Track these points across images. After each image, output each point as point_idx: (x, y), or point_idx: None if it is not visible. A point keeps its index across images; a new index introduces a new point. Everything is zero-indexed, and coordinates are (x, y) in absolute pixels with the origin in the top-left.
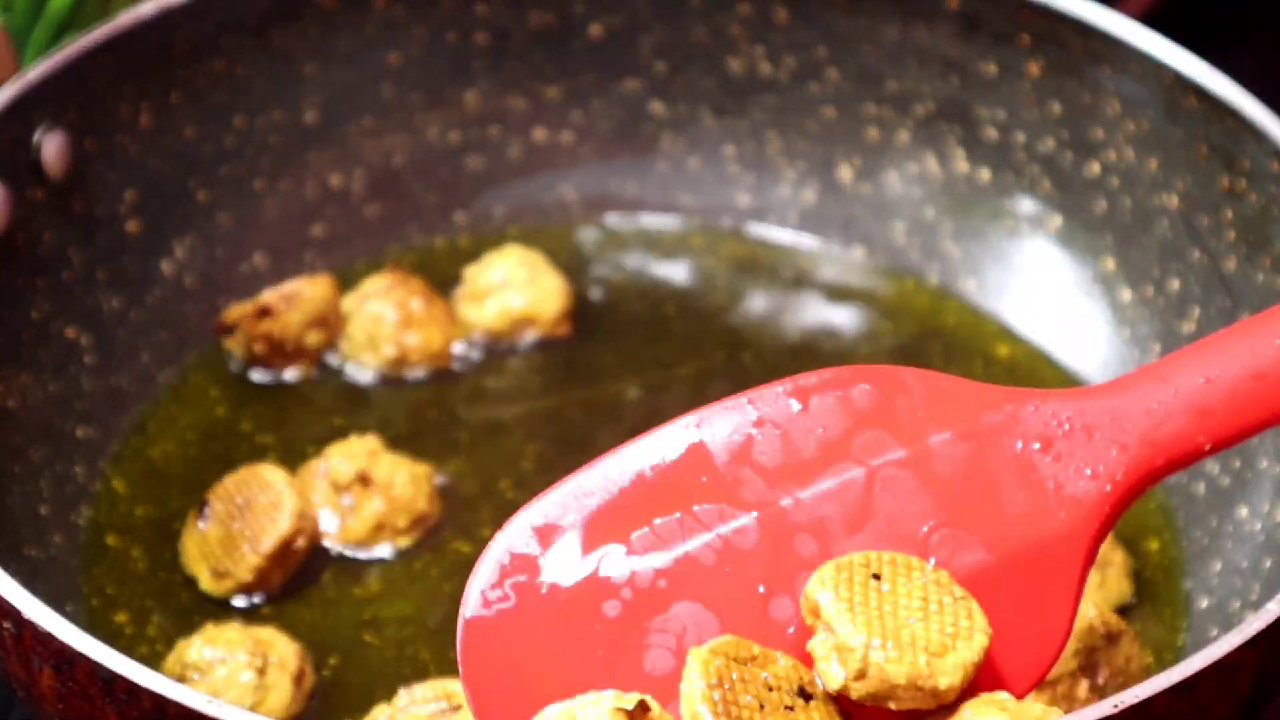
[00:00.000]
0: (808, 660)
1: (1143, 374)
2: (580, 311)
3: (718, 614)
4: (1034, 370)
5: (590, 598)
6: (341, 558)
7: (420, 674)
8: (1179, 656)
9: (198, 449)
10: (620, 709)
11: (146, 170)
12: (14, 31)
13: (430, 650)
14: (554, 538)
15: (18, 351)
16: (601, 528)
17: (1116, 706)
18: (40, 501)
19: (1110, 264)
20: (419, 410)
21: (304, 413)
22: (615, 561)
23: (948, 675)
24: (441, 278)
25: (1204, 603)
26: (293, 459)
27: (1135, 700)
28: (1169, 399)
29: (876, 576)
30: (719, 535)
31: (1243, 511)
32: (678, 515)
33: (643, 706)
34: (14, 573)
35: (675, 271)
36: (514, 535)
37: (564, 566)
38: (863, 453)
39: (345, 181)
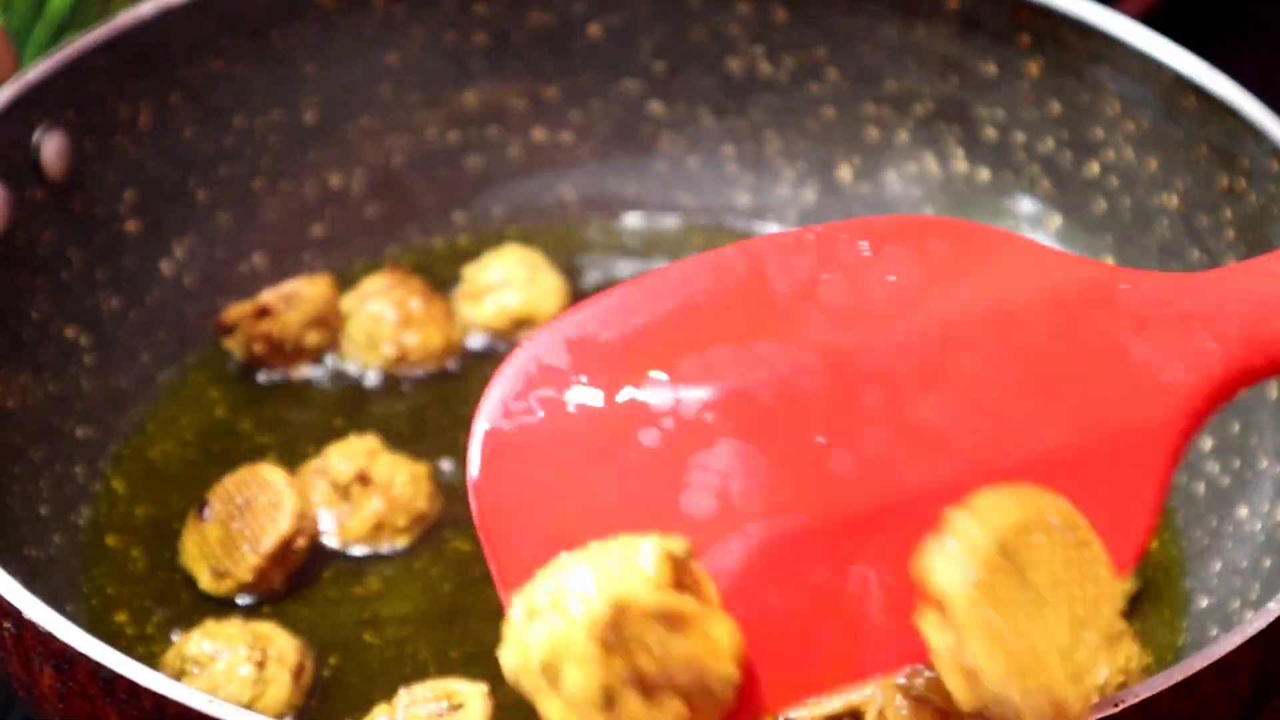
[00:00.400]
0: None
1: (1244, 268)
2: None
3: (769, 458)
4: None
5: (626, 423)
6: (341, 557)
7: (420, 673)
8: (1179, 656)
9: (197, 449)
10: (669, 553)
11: (146, 170)
12: (14, 31)
13: (430, 649)
14: (590, 353)
15: (17, 352)
16: (645, 349)
17: (1118, 705)
18: (40, 502)
19: (1110, 263)
20: (419, 410)
21: (304, 413)
22: (657, 387)
23: (1081, 701)
24: (441, 277)
25: (1204, 602)
26: (292, 459)
27: (1137, 699)
28: (1273, 296)
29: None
30: (777, 372)
31: (1242, 511)
32: (731, 346)
33: (689, 553)
34: (14, 573)
35: None
36: (545, 345)
37: (599, 386)
38: (940, 307)
39: (345, 181)
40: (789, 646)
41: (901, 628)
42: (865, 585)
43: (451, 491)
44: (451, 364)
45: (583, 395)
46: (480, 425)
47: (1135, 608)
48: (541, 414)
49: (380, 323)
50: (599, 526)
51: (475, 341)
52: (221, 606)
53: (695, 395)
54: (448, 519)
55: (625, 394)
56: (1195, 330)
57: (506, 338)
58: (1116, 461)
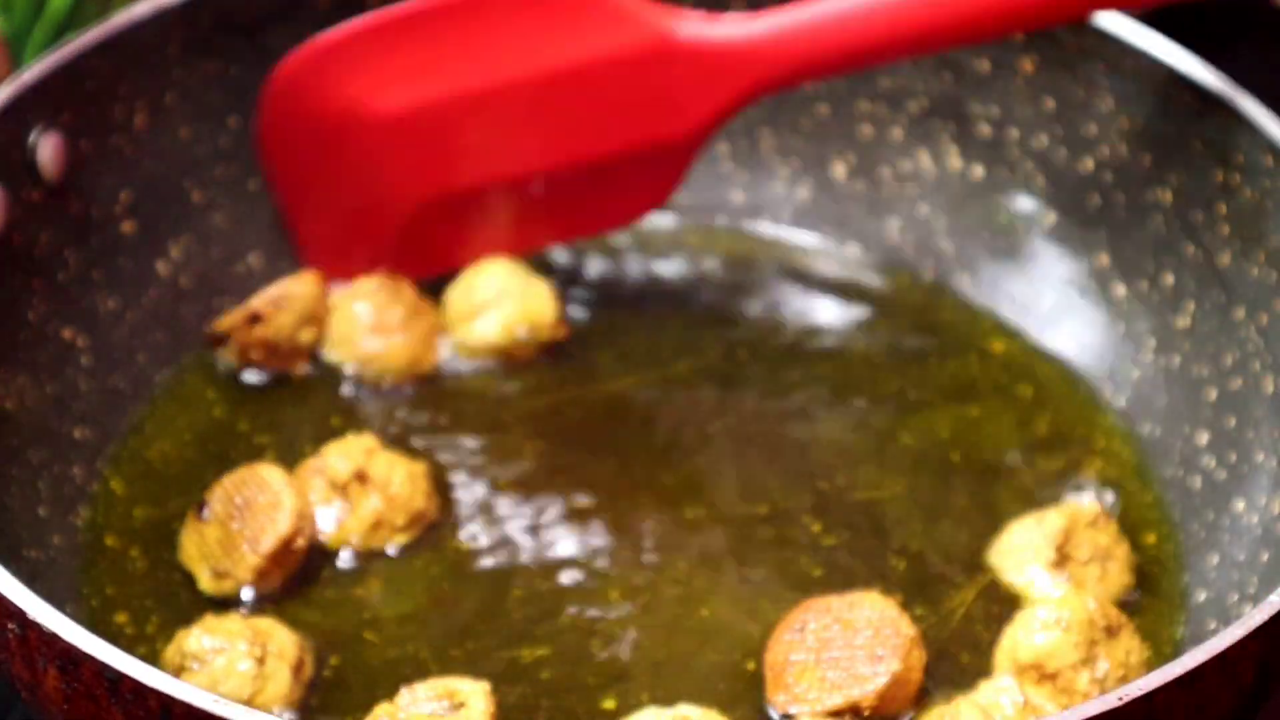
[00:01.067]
0: None
1: (771, 20)
2: (576, 311)
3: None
4: (1029, 366)
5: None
6: (341, 557)
7: (421, 672)
8: (1177, 650)
9: (195, 449)
10: None
11: (142, 171)
12: (13, 33)
13: (430, 649)
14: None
15: (14, 353)
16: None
17: (1122, 699)
18: (38, 503)
19: (1104, 259)
20: (417, 409)
21: (301, 412)
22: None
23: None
24: (437, 278)
25: (1201, 596)
26: (290, 458)
27: (1140, 693)
28: (788, 43)
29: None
30: (477, 85)
31: (1239, 505)
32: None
33: None
34: (14, 574)
35: (670, 270)
36: (325, 44)
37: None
38: (544, 61)
39: None
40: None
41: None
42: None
43: (450, 491)
44: (446, 366)
45: (330, 93)
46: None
47: (1134, 602)
48: (306, 101)
49: (355, 323)
50: (347, 176)
51: (462, 366)
52: (221, 606)
53: (394, 108)
54: (447, 518)
55: (354, 100)
56: (714, 83)
57: (511, 354)
58: (652, 158)
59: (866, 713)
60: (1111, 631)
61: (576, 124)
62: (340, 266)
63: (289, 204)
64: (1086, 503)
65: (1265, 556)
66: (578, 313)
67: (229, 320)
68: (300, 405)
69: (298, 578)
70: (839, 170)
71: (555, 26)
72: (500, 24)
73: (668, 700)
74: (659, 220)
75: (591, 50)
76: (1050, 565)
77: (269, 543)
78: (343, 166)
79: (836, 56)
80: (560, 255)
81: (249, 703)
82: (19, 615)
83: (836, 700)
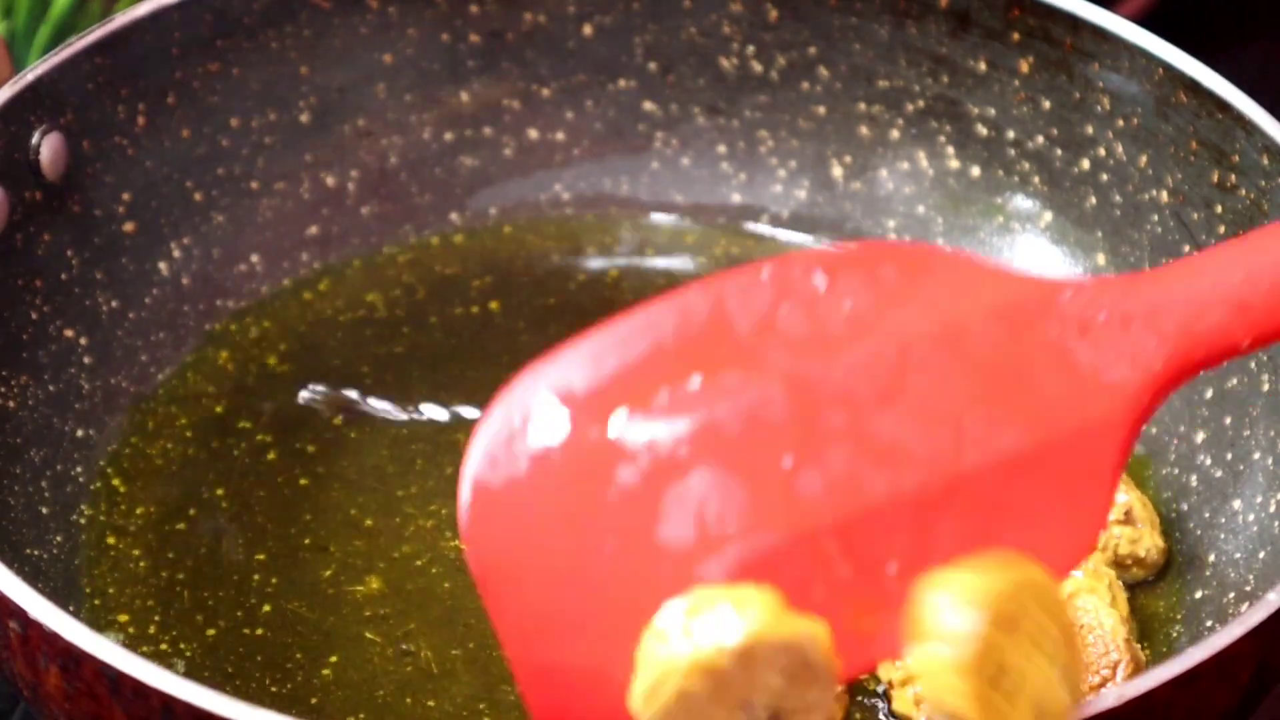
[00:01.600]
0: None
1: (1178, 266)
2: (575, 310)
3: (741, 483)
4: None
5: (605, 464)
6: (341, 556)
7: (422, 671)
8: (1174, 649)
9: (197, 448)
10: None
11: (143, 171)
12: (16, 36)
13: (432, 648)
14: (568, 400)
15: (16, 352)
16: (618, 391)
17: (1120, 699)
18: (40, 502)
19: (1102, 259)
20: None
21: (302, 411)
22: (632, 426)
23: None
24: (437, 277)
25: (1198, 595)
26: (290, 457)
27: (1138, 693)
28: (1207, 291)
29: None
30: (743, 401)
31: (1236, 504)
32: (699, 381)
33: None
34: (16, 573)
35: (669, 270)
36: (524, 395)
37: (577, 431)
38: (894, 329)
39: (340, 181)
40: None
41: (874, 629)
42: (838, 590)
43: (449, 490)
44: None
45: (563, 439)
46: (467, 481)
47: (1132, 602)
48: (524, 463)
49: None
50: (586, 568)
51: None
52: (221, 605)
53: (668, 431)
54: (446, 517)
55: (602, 436)
56: (1136, 329)
57: None
58: (1068, 460)
59: None
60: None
61: (945, 420)
62: None
63: (512, 633)
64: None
65: (1262, 555)
66: (576, 311)
67: None
68: (301, 404)
69: (297, 576)
70: (837, 171)
71: (897, 293)
72: (811, 297)
73: None
74: (658, 221)
75: (957, 313)
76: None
77: None
78: (598, 551)
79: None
80: (558, 254)
81: None
82: (20, 614)
83: None
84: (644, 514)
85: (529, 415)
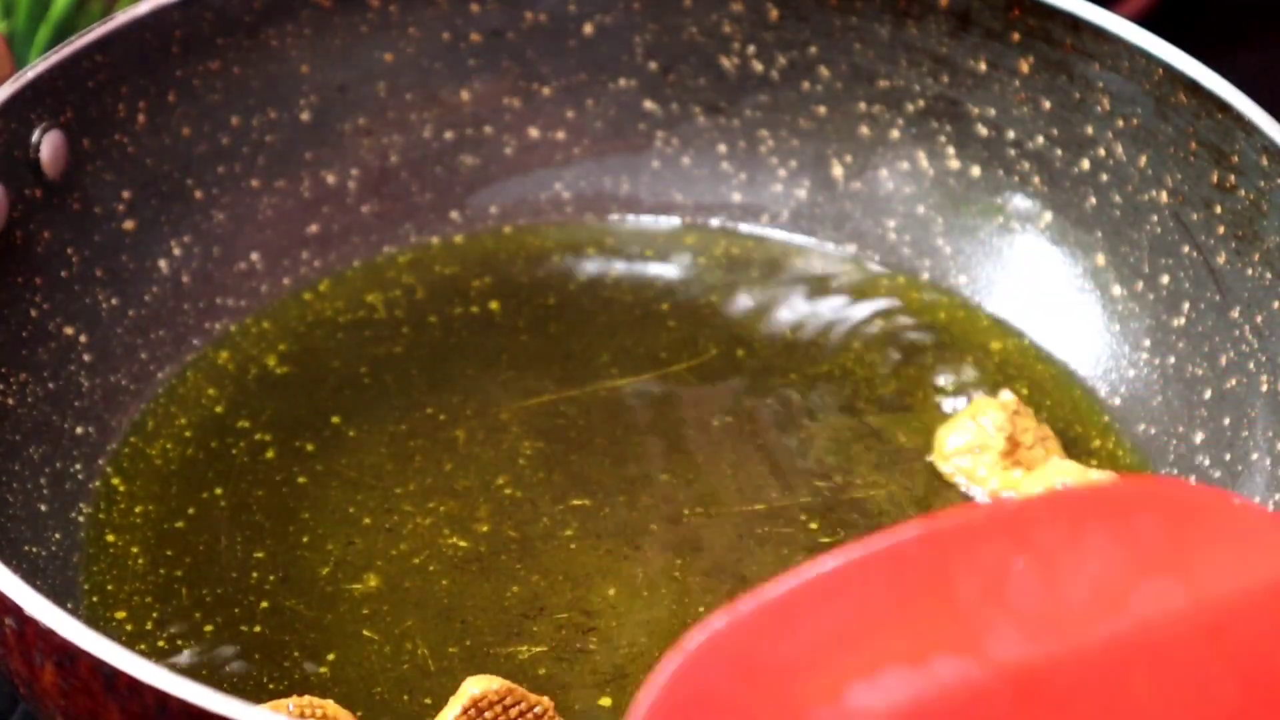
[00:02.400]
0: None
1: None
2: (575, 309)
3: None
4: (1025, 366)
5: None
6: (340, 554)
7: (419, 669)
8: None
9: (196, 447)
10: None
11: (143, 169)
12: (17, 34)
13: (429, 645)
14: (752, 672)
15: (16, 350)
16: (813, 668)
17: None
18: (39, 499)
19: (1101, 259)
20: (416, 407)
21: (301, 411)
22: (827, 713)
23: None
24: (436, 278)
25: None
26: (289, 456)
27: None
28: None
29: None
30: (958, 700)
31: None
32: (909, 664)
33: None
34: (14, 570)
35: (669, 269)
36: (700, 661)
37: (762, 714)
38: (1143, 607)
39: (341, 180)
40: None
41: None
42: None
43: (449, 490)
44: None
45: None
46: None
47: None
48: None
49: None
50: None
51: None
52: (219, 606)
53: (869, 713)
54: (446, 516)
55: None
56: None
57: None
58: None
59: None
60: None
61: (1192, 701)
62: None
63: None
64: (1003, 396)
65: None
66: (576, 310)
67: None
68: (301, 404)
69: (296, 575)
70: (837, 171)
71: (1146, 551)
72: (1046, 553)
73: None
74: (658, 220)
75: (1217, 587)
76: (1003, 455)
77: None
78: None
79: None
80: (558, 254)
81: None
82: (16, 611)
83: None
84: None
85: (701, 687)
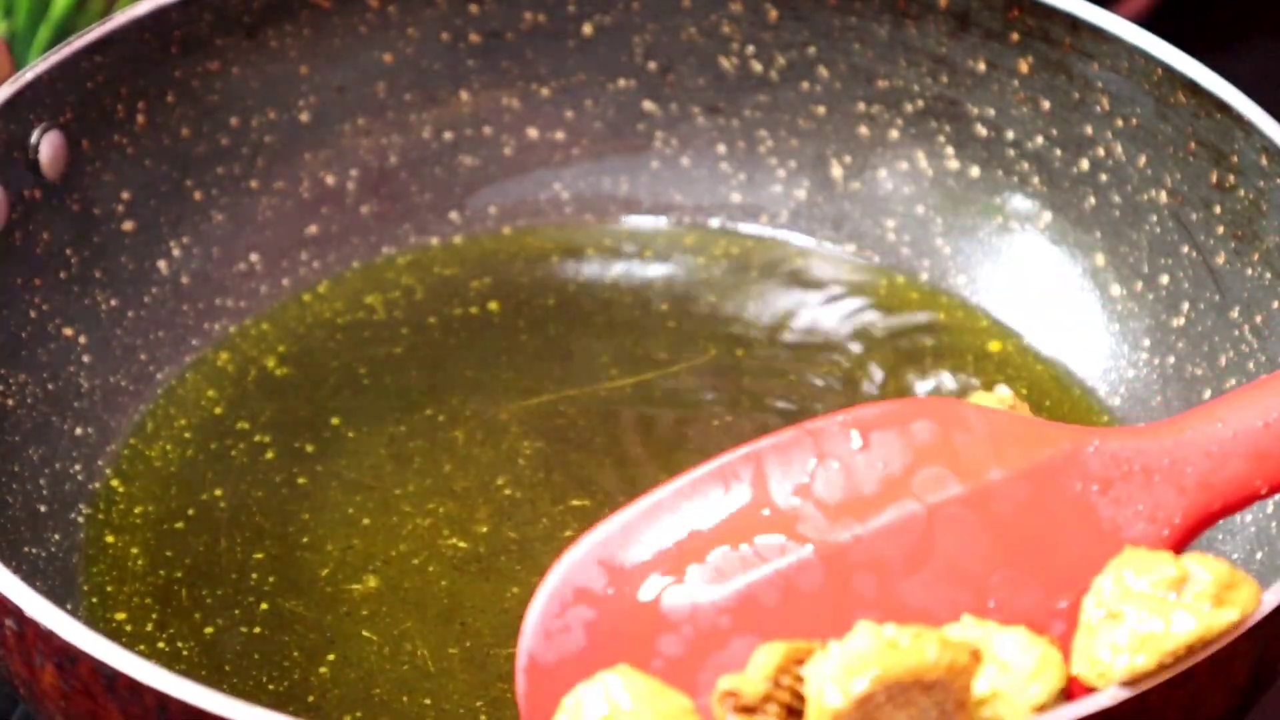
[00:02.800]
0: None
1: (1199, 415)
2: (574, 310)
3: None
4: (1024, 366)
5: (651, 633)
6: (339, 555)
7: (419, 669)
8: None
9: (195, 448)
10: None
11: (142, 170)
12: (17, 35)
13: (429, 646)
14: (616, 571)
15: (16, 351)
16: (663, 561)
17: (1114, 699)
18: (39, 500)
19: (1100, 259)
20: (415, 407)
21: (301, 412)
22: (676, 596)
23: None
24: (435, 279)
25: None
26: (288, 457)
27: (1134, 692)
28: (1227, 442)
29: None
30: (779, 571)
31: None
32: (739, 549)
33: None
34: (14, 571)
35: (668, 269)
36: (576, 567)
37: (624, 601)
38: (923, 490)
39: (340, 181)
40: None
41: None
42: None
43: (448, 490)
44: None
45: (612, 610)
46: (523, 653)
47: None
48: (577, 633)
49: None
50: None
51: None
52: (218, 606)
53: (710, 599)
54: (445, 517)
55: (649, 606)
56: (1157, 484)
57: None
58: (1075, 612)
59: None
60: None
61: (970, 580)
62: None
63: None
64: (999, 391)
65: (1259, 556)
66: (575, 310)
67: None
68: (300, 405)
69: (296, 574)
70: (836, 171)
71: (925, 453)
72: (843, 458)
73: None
74: (657, 220)
75: (979, 475)
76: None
77: None
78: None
79: None
80: (557, 255)
81: None
82: (16, 612)
83: None
84: (686, 684)
85: (577, 589)
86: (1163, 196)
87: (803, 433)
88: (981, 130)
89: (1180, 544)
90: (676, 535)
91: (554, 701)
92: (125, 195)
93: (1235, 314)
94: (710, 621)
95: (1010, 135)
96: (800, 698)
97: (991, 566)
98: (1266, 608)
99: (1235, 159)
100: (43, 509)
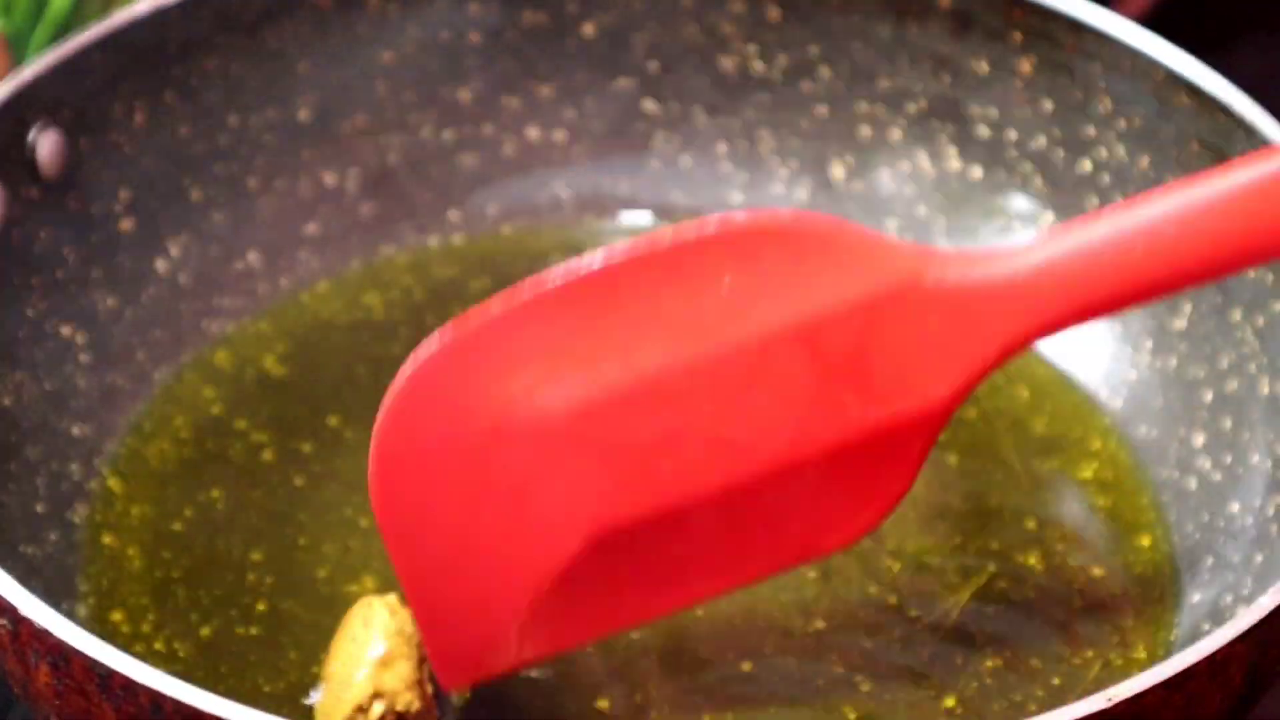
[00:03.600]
0: None
1: (1028, 250)
2: None
3: (606, 465)
4: (1025, 367)
5: (499, 431)
6: (338, 556)
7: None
8: (1170, 651)
9: (193, 448)
10: None
11: (141, 169)
12: (14, 34)
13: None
14: (466, 368)
15: (13, 350)
16: (508, 374)
17: (1110, 700)
18: (36, 500)
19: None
20: None
21: (299, 412)
22: (522, 400)
23: None
24: (435, 279)
25: (1195, 597)
26: (286, 457)
27: (1129, 694)
28: (1046, 281)
29: None
30: (619, 388)
31: (1234, 506)
32: (582, 369)
33: None
34: (10, 570)
35: None
36: (430, 363)
37: (475, 397)
38: (761, 317)
39: (339, 180)
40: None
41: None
42: (687, 556)
43: None
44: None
45: (461, 407)
46: (376, 436)
47: (1126, 603)
48: (427, 425)
49: None
50: (475, 519)
51: None
52: (218, 607)
53: (550, 406)
54: None
55: (498, 406)
56: (976, 323)
57: None
58: (892, 437)
59: None
60: None
61: (796, 406)
62: (475, 664)
63: (412, 575)
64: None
65: (1259, 558)
66: None
67: None
68: (298, 404)
69: (295, 575)
70: (837, 171)
71: (768, 275)
72: (693, 279)
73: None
74: (658, 222)
75: (817, 305)
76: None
77: None
78: (489, 507)
79: (1127, 288)
80: (558, 255)
81: None
82: (11, 611)
83: None
84: (525, 481)
85: (433, 384)
86: None
87: (654, 244)
88: (983, 131)
89: (987, 374)
90: (526, 352)
91: (403, 482)
92: (123, 194)
93: (1237, 316)
94: (550, 427)
95: (1012, 136)
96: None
97: (811, 397)
98: (1263, 610)
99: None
100: (40, 508)
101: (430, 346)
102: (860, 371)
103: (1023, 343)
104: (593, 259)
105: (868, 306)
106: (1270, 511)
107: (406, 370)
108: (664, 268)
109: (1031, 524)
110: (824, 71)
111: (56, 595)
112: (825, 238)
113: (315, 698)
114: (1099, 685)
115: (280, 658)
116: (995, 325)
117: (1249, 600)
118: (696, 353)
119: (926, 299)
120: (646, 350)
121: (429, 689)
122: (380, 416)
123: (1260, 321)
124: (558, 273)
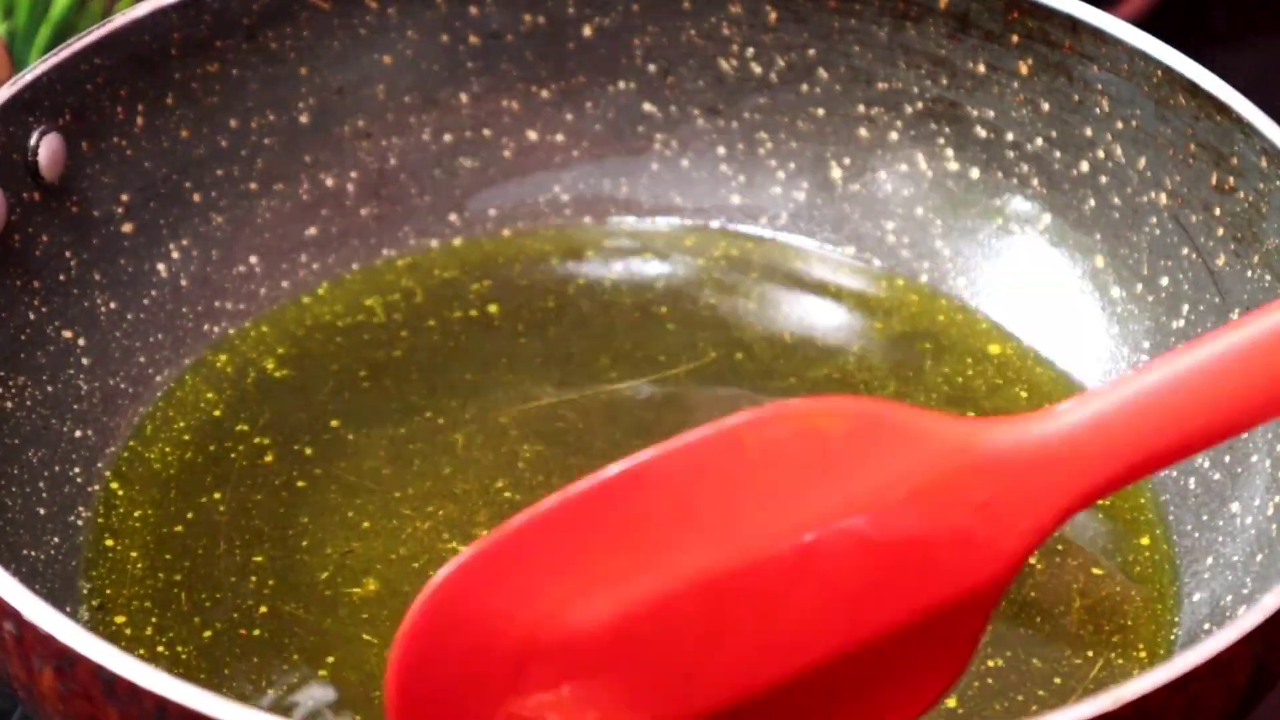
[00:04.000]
0: None
1: (1081, 422)
2: (574, 313)
3: (647, 680)
4: (1024, 368)
5: (520, 659)
6: (339, 558)
7: None
8: (1172, 652)
9: (194, 451)
10: None
11: (141, 172)
12: (17, 36)
13: None
14: (485, 596)
15: (14, 353)
16: (542, 586)
17: (1115, 702)
18: (38, 503)
19: (1100, 261)
20: (414, 410)
21: (300, 414)
22: (551, 624)
23: None
24: (435, 282)
25: (1196, 597)
26: (288, 460)
27: (1133, 696)
28: (1099, 453)
29: None
30: (657, 599)
31: (1234, 506)
32: (613, 583)
33: None
34: (13, 574)
35: (668, 271)
36: (448, 596)
37: (501, 629)
38: (809, 511)
39: (339, 183)
40: None
41: None
42: None
43: (447, 493)
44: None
45: (483, 642)
46: (395, 651)
47: (1127, 602)
48: (455, 640)
49: None
50: None
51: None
52: (218, 608)
53: (583, 633)
54: (444, 520)
55: (524, 635)
56: (1036, 494)
57: None
58: (950, 614)
59: None
60: None
61: (849, 598)
62: None
63: None
64: None
65: (1260, 558)
66: (575, 313)
67: None
68: (300, 408)
69: (294, 575)
70: (836, 173)
71: (809, 465)
72: (727, 474)
73: None
74: (657, 222)
75: (866, 493)
76: None
77: None
78: None
79: (1187, 439)
80: (557, 257)
81: None
82: (15, 615)
83: None
84: (556, 698)
85: (451, 617)
86: (1163, 198)
87: (691, 442)
88: (981, 132)
89: (1043, 542)
90: (554, 560)
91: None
92: (124, 197)
93: (1235, 316)
94: (581, 650)
95: (1010, 137)
96: None
97: (865, 586)
98: (1268, 610)
99: (1235, 161)
100: (42, 512)
101: (453, 563)
102: (916, 554)
103: (1083, 503)
104: (614, 465)
105: (924, 488)
106: (1270, 511)
107: (429, 585)
108: (694, 465)
109: None
110: (822, 73)
111: (59, 599)
112: (870, 420)
113: (318, 699)
114: (1100, 685)
115: (283, 660)
116: (1054, 489)
117: (1250, 600)
118: (737, 552)
119: (980, 471)
120: (684, 554)
121: None
122: (399, 634)
123: None
124: (581, 482)
